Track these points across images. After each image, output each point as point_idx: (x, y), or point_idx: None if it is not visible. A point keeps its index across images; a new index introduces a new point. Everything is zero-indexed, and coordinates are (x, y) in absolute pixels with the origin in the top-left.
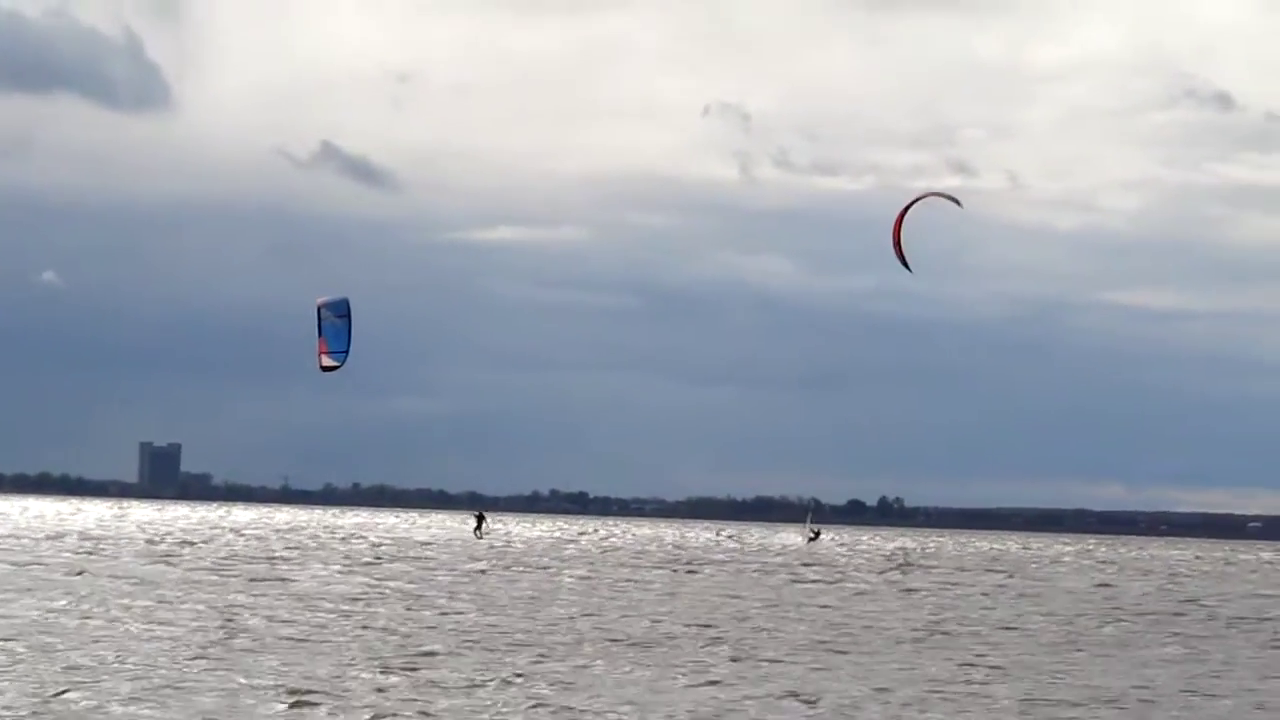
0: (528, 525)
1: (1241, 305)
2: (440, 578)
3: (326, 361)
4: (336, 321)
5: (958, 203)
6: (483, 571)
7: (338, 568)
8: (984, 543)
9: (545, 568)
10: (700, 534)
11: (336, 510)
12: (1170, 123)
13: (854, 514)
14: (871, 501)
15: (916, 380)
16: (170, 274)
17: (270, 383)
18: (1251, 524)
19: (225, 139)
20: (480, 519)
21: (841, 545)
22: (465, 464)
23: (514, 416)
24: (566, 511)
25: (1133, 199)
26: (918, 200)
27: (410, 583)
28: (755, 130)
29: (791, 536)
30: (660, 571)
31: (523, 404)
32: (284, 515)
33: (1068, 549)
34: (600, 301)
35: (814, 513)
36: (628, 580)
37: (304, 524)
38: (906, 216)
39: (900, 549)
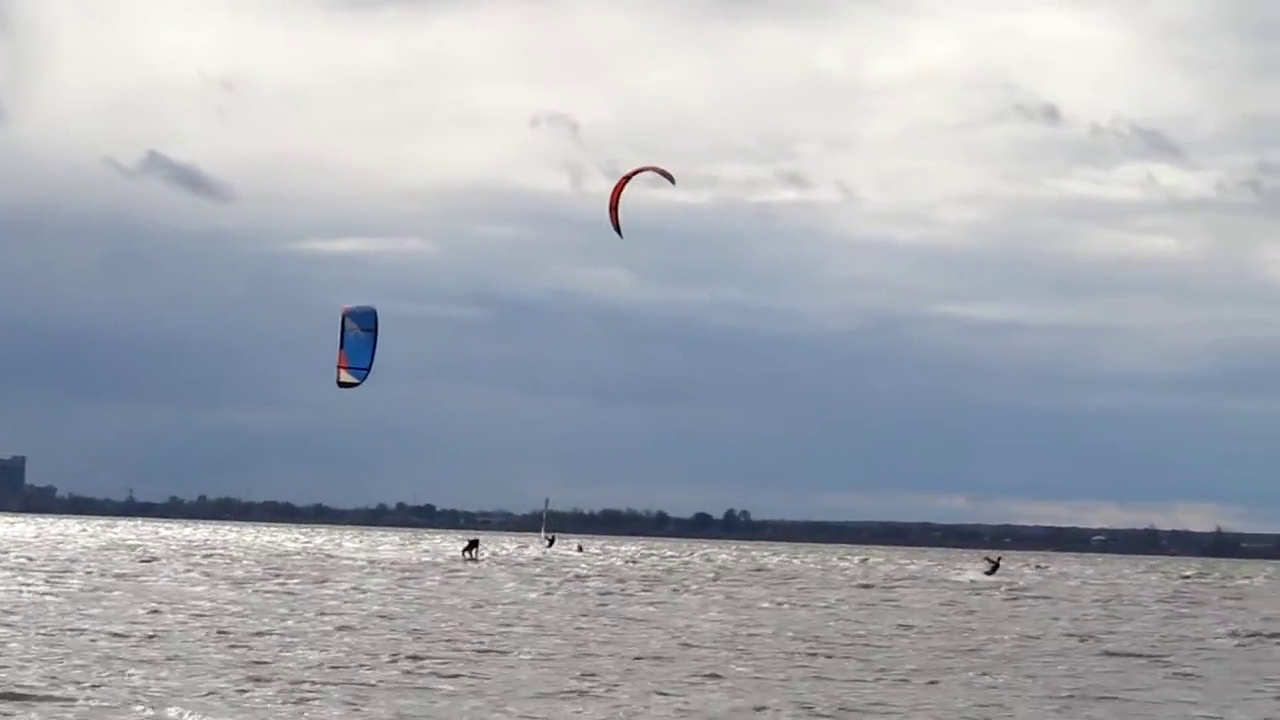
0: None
1: (1079, 318)
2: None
3: (345, 378)
4: (361, 334)
5: (671, 180)
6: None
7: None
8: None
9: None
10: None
11: (201, 524)
12: (1005, 137)
13: (701, 527)
14: (718, 514)
15: (761, 393)
16: (6, 285)
17: (113, 394)
18: (1095, 537)
19: (55, 148)
20: (473, 545)
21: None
22: (311, 477)
23: (359, 429)
24: (413, 525)
25: (970, 212)
26: (636, 173)
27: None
28: (586, 141)
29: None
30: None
31: (367, 417)
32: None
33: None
34: (443, 313)
35: (548, 517)
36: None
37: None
38: (626, 187)
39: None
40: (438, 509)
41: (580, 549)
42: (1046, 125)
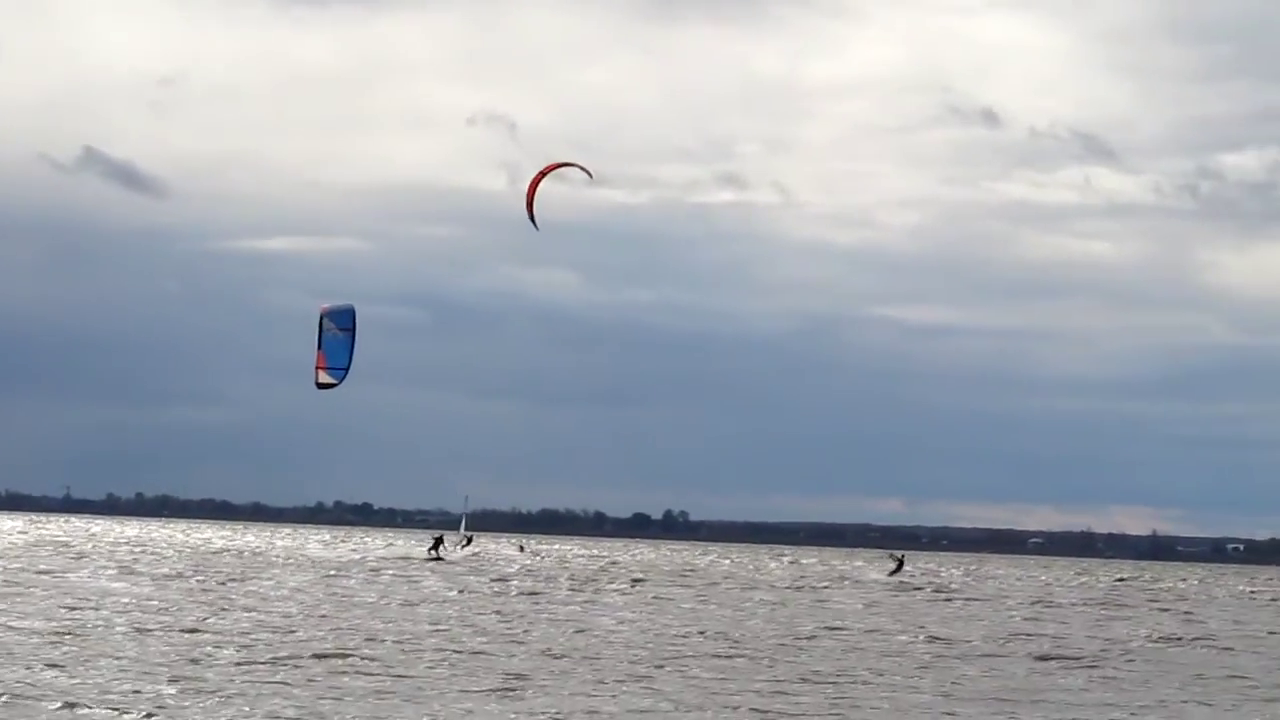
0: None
1: (1018, 322)
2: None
3: (324, 379)
4: (339, 334)
5: (588, 174)
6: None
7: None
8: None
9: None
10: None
11: (137, 521)
12: (944, 140)
13: (639, 527)
14: (657, 515)
15: (700, 394)
16: None
17: (50, 391)
18: (1032, 540)
19: None
20: (438, 542)
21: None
22: (248, 475)
23: (296, 427)
24: (350, 523)
25: (911, 216)
26: (553, 168)
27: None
28: (524, 141)
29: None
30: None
31: (305, 415)
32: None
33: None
34: (381, 313)
35: (467, 517)
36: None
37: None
38: (542, 181)
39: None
40: (375, 507)
41: (522, 549)
42: (985, 128)
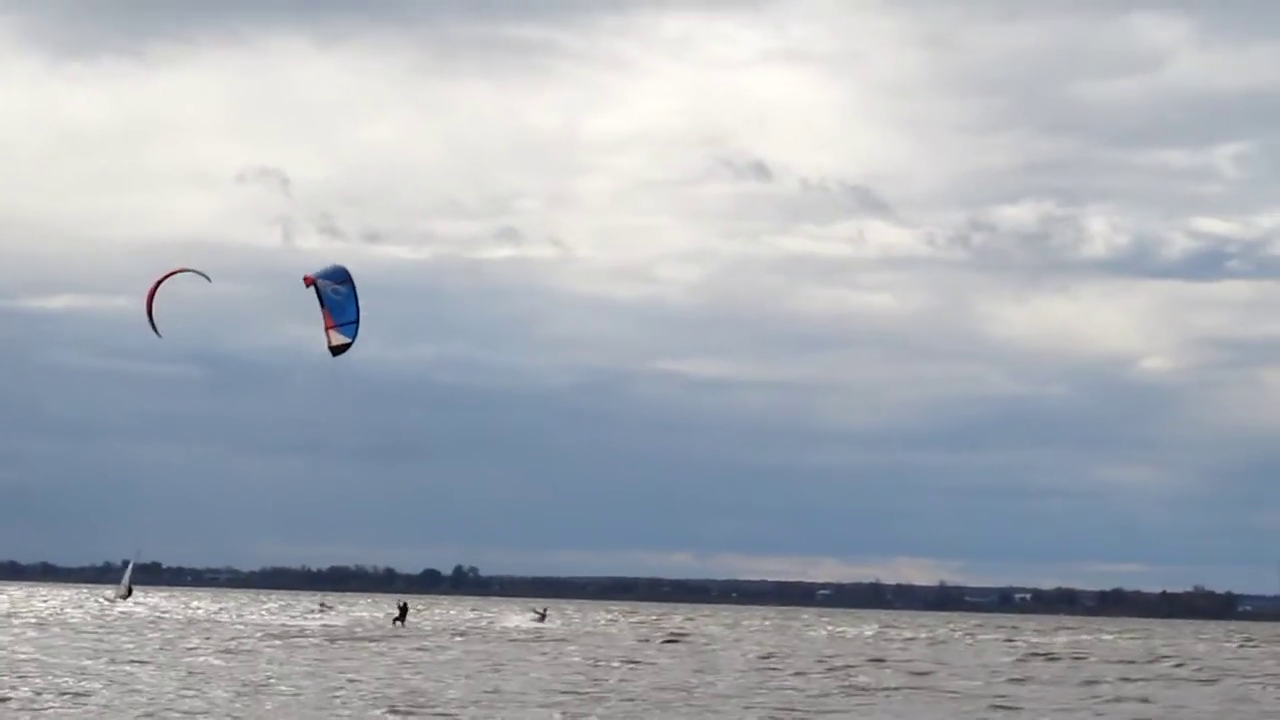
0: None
1: (800, 374)
2: None
3: (336, 339)
4: (340, 289)
5: (207, 278)
6: None
7: None
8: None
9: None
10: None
11: None
12: (724, 194)
13: (431, 583)
14: (447, 571)
15: (486, 449)
16: None
17: None
18: (821, 591)
19: None
20: (404, 610)
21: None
22: (34, 535)
23: (81, 487)
24: (140, 583)
25: (692, 270)
26: (172, 274)
27: None
28: (297, 197)
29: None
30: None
31: (90, 474)
32: None
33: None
34: (163, 371)
35: (133, 568)
36: None
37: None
38: (162, 287)
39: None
40: (164, 566)
41: (321, 607)
42: (757, 182)
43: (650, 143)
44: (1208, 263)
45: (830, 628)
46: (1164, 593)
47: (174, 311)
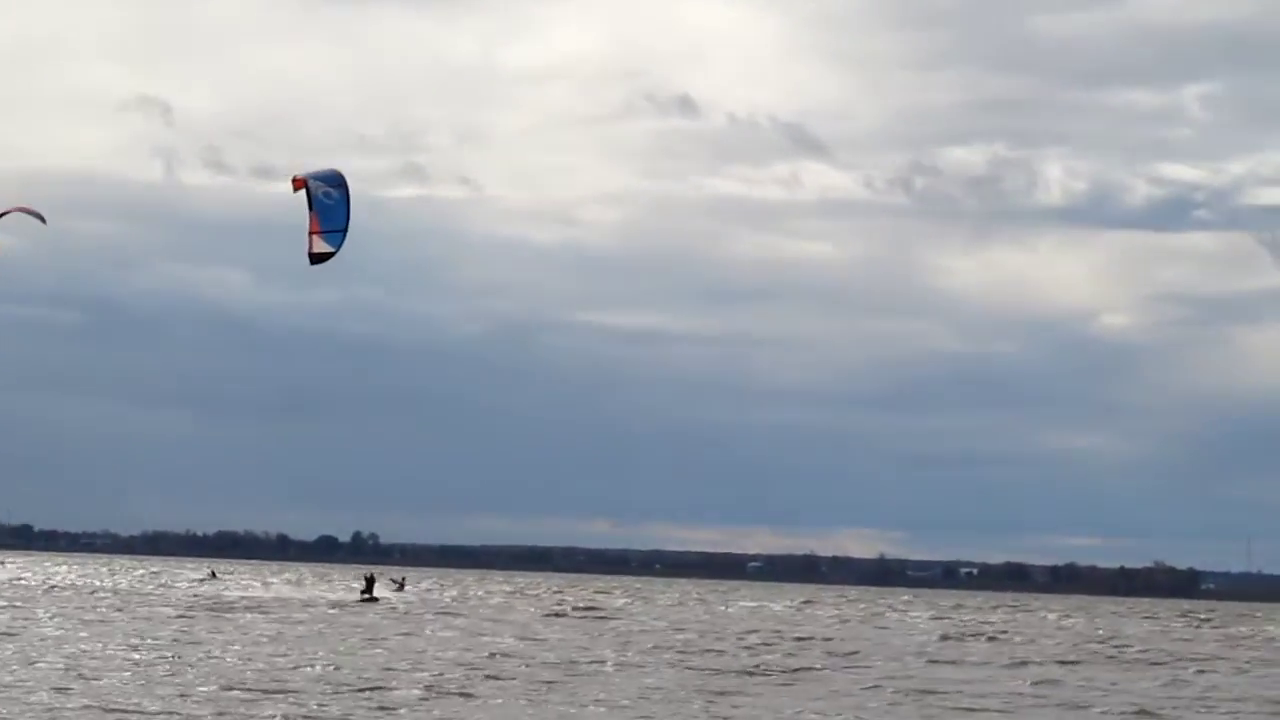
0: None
1: (731, 328)
2: None
3: (320, 246)
4: (334, 194)
5: (42, 219)
6: None
7: None
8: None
9: None
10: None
11: None
12: (649, 131)
13: (327, 551)
14: (344, 538)
15: (390, 406)
16: None
17: None
18: (751, 563)
19: None
20: (370, 582)
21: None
22: None
23: None
24: (10, 546)
25: (613, 212)
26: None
27: None
28: (182, 127)
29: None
30: None
31: None
32: None
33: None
34: (32, 315)
35: None
36: None
37: None
38: None
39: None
40: (35, 529)
41: (214, 574)
42: (683, 118)
43: (570, 75)
44: (1173, 212)
45: (752, 602)
46: (1121, 569)
47: (43, 251)
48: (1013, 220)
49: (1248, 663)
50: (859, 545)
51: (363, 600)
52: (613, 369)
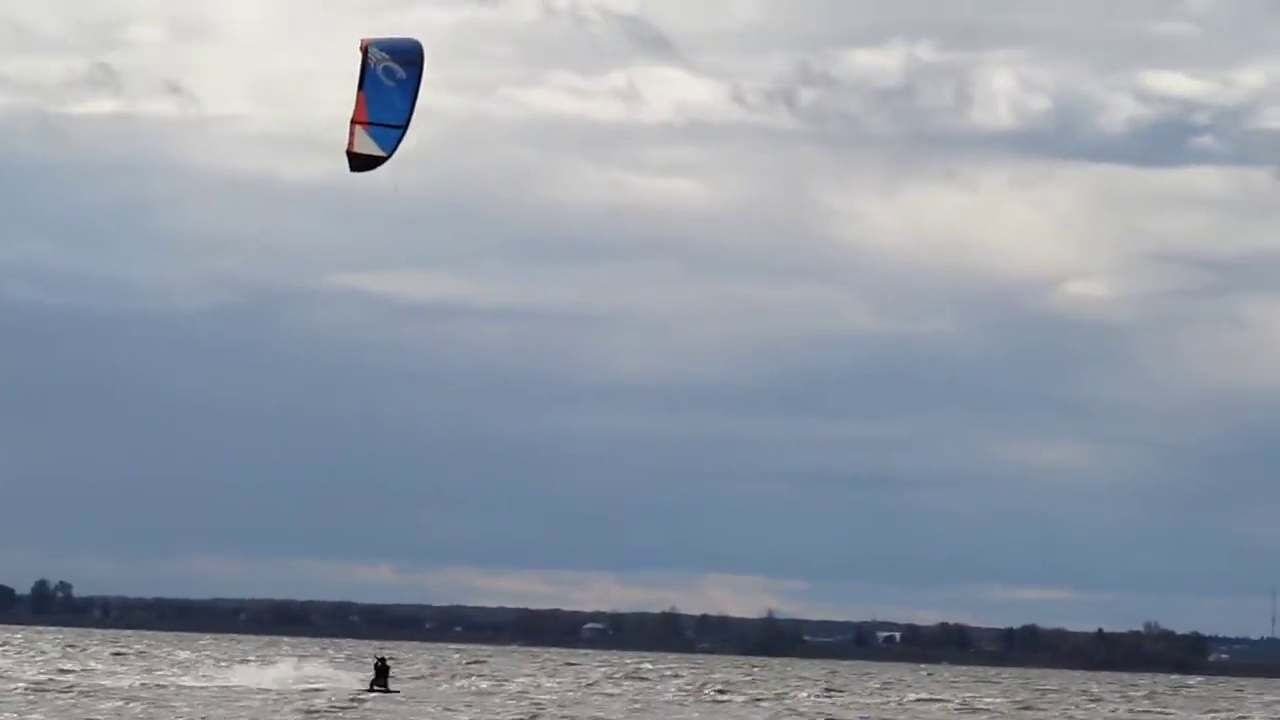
0: None
1: (554, 298)
2: None
3: (363, 144)
4: (396, 70)
5: None
6: None
7: None
8: None
9: None
10: None
11: None
12: (440, 25)
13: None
14: (23, 589)
15: (83, 405)
16: None
17: None
18: (589, 625)
19: None
20: (381, 670)
21: None
22: None
23: None
24: None
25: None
26: None
27: None
28: None
29: None
30: None
31: None
32: None
33: None
34: None
35: None
36: None
37: None
38: None
39: None
40: None
41: None
42: (483, 6)
43: None
44: (1166, 140)
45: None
46: (1100, 632)
47: None
48: (943, 149)
49: None
50: (738, 600)
51: (373, 690)
52: (390, 353)
